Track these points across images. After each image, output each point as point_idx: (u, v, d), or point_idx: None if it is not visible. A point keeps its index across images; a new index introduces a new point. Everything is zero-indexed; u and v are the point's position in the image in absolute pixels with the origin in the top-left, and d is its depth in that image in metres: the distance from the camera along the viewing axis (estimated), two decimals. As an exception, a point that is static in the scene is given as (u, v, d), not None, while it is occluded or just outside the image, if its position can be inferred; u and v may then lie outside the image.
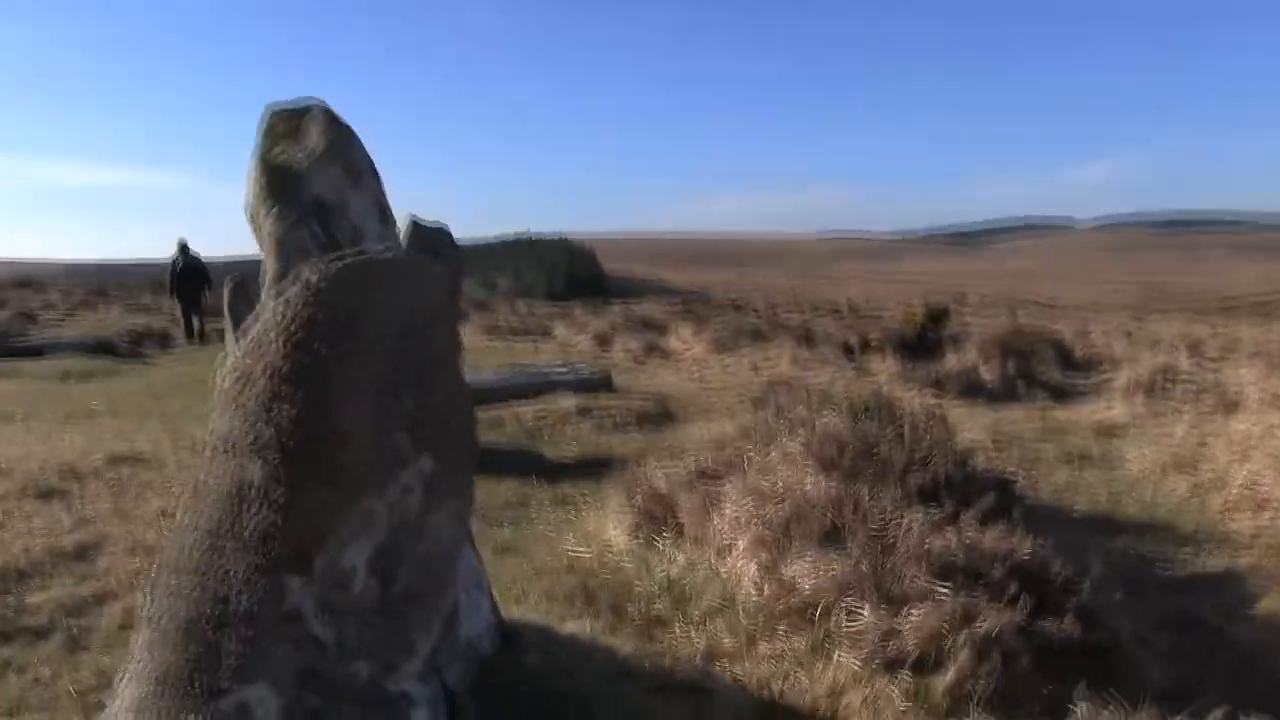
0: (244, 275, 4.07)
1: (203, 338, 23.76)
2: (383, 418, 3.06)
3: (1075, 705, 3.87)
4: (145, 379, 17.12)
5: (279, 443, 2.83)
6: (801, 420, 7.03)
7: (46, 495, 7.94)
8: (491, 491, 8.68)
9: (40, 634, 5.20)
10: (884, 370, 18.08)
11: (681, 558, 6.16)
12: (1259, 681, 4.80)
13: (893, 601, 4.79)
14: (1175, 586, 6.24)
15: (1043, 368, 17.47)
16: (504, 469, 9.62)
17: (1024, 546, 5.09)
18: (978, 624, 4.47)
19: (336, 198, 3.46)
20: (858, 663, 4.59)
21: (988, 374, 16.01)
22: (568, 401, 13.04)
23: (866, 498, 5.71)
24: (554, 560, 6.49)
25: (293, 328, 2.86)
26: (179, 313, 24.85)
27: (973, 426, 11.79)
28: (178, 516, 3.00)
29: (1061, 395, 15.31)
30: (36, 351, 20.13)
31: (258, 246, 3.38)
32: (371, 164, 3.83)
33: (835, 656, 4.71)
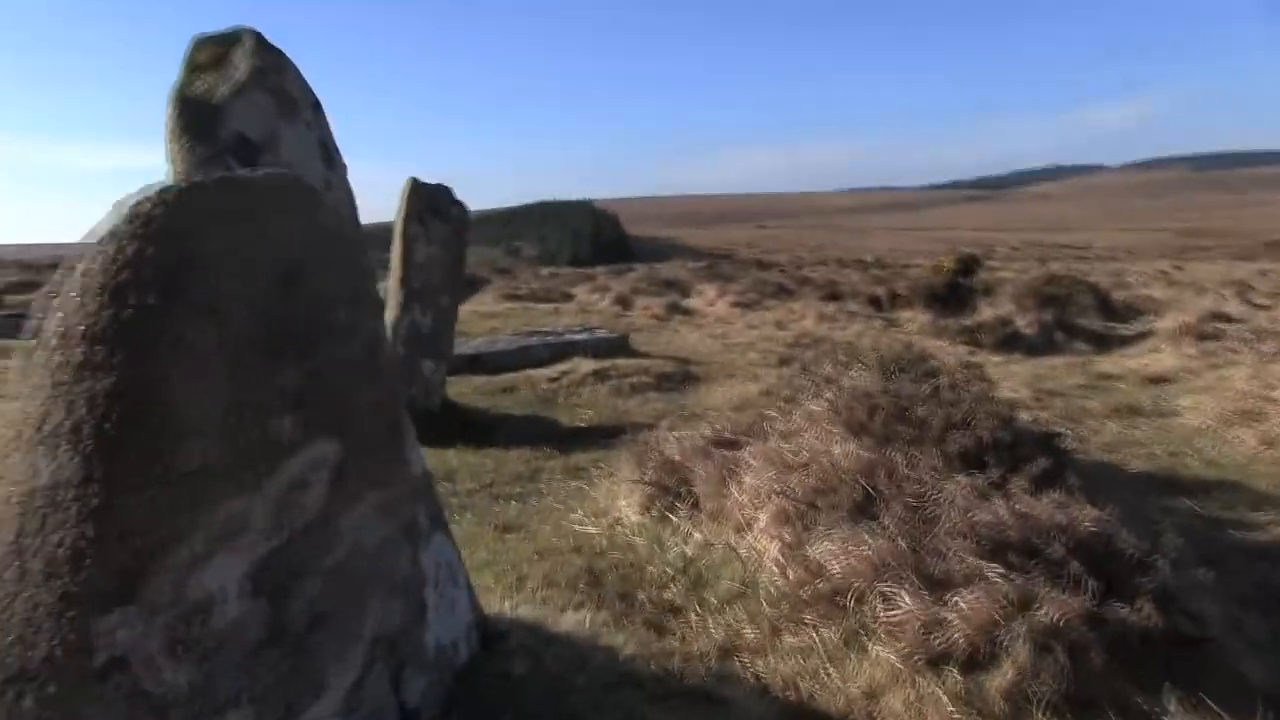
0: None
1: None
2: (247, 391, 2.34)
3: (1161, 710, 3.22)
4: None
5: (94, 427, 2.15)
6: (828, 379, 6.35)
7: None
8: (500, 462, 8.23)
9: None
10: (914, 323, 17.59)
11: (698, 535, 5.51)
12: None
13: (936, 585, 4.11)
14: (1258, 555, 5.53)
15: (1081, 316, 16.97)
16: (515, 438, 9.29)
17: (1085, 516, 4.40)
18: (1037, 612, 3.79)
19: (264, 132, 2.84)
20: (897, 659, 3.90)
21: (1024, 324, 15.55)
22: (584, 365, 12.57)
23: (902, 464, 5.06)
24: (560, 539, 5.89)
25: (113, 270, 2.18)
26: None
27: (1012, 380, 11.30)
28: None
29: (1103, 344, 14.86)
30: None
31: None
32: (313, 98, 3.20)
33: (871, 651, 4.02)
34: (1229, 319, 14.68)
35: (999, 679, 3.66)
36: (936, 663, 3.85)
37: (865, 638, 4.13)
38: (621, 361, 13.08)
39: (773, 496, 5.17)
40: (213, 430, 2.26)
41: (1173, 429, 8.86)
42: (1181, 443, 8.29)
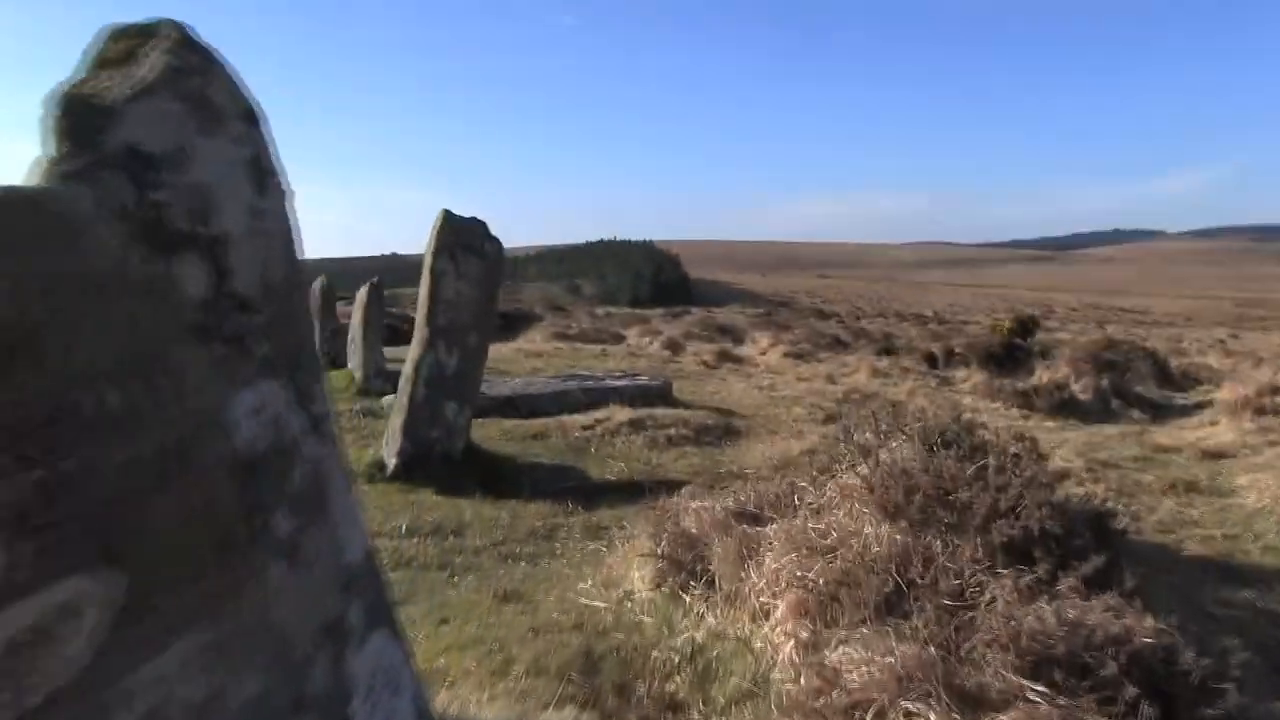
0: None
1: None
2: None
3: None
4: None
5: None
6: (864, 449, 5.81)
7: None
8: (518, 516, 7.84)
9: None
10: (968, 382, 17.09)
11: (711, 618, 4.98)
12: None
13: (968, 703, 3.57)
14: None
15: (1138, 383, 16.52)
16: (539, 489, 8.95)
17: (1143, 628, 3.85)
18: (1085, 746, 3.28)
19: (169, 145, 2.30)
20: (921, 793, 3.40)
21: (1079, 389, 15.12)
22: (620, 414, 12.13)
23: (940, 553, 4.53)
24: (562, 613, 5.39)
25: None
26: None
27: (1064, 448, 10.84)
28: None
29: (1159, 413, 14.46)
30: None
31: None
32: (246, 107, 2.65)
33: (892, 781, 3.52)
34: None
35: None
36: (965, 801, 3.33)
37: (884, 763, 3.61)
38: (660, 411, 12.62)
39: (793, 584, 4.64)
40: None
41: (1230, 509, 8.32)
42: (1240, 525, 7.75)
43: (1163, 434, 12.38)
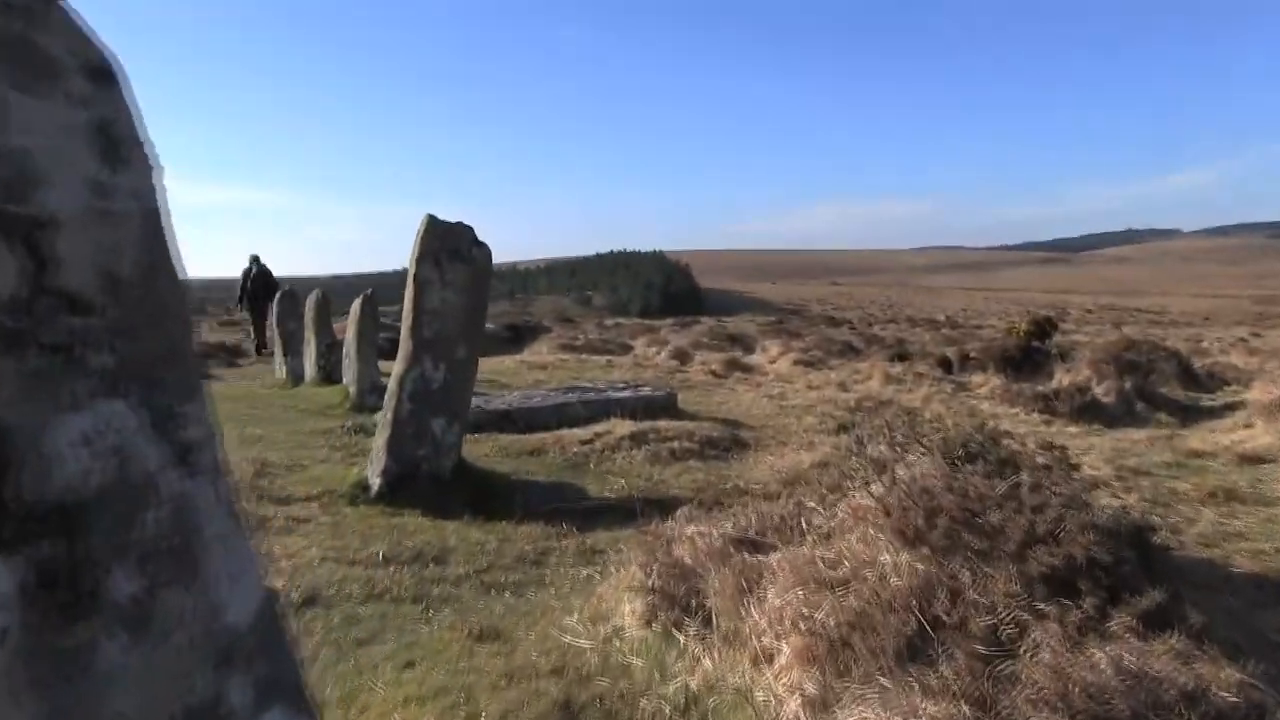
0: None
1: (259, 351, 23.49)
2: None
3: None
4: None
5: None
6: (879, 464, 5.18)
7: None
8: (506, 540, 7.25)
9: None
10: (985, 387, 16.52)
11: (707, 662, 4.30)
12: None
13: (1011, 777, 2.96)
14: None
15: (1163, 384, 15.94)
16: (532, 510, 8.31)
17: (1220, 677, 3.21)
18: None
19: None
20: None
21: (1102, 392, 14.56)
22: (622, 427, 11.53)
23: (969, 585, 3.90)
24: (542, 655, 4.75)
25: None
26: (250, 323, 24.60)
27: (1091, 455, 10.26)
28: None
29: (1188, 416, 13.86)
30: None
31: None
32: (96, 63, 2.02)
33: None
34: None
35: None
36: None
37: None
38: (664, 424, 11.98)
39: (799, 625, 4.00)
40: None
41: (1278, 519, 7.66)
42: (1291, 535, 7.08)
43: (1194, 438, 11.74)
